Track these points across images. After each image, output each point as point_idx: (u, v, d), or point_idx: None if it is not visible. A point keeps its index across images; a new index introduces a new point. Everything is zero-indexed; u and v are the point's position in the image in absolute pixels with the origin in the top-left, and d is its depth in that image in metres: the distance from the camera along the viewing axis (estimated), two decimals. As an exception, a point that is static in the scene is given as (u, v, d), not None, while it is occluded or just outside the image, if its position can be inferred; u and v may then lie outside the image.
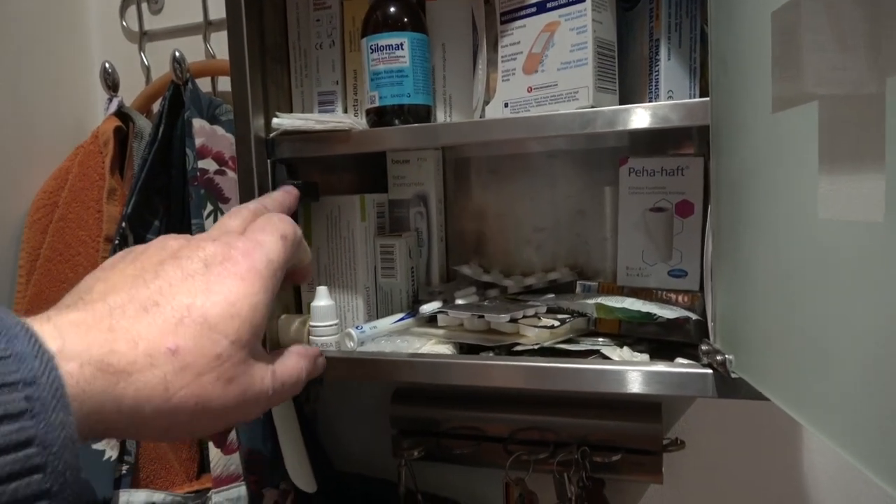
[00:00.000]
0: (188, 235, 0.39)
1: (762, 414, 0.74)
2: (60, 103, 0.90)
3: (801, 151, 0.35)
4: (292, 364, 0.42)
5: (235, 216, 0.43)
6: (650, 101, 0.60)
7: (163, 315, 0.33)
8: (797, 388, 0.39)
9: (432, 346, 0.65)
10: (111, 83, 0.86)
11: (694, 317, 0.60)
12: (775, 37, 0.39)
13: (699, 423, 0.76)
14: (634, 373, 0.54)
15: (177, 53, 0.80)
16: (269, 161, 0.67)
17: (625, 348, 0.61)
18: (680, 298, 0.65)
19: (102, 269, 0.37)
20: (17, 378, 0.25)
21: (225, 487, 0.75)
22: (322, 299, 0.67)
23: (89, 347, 0.30)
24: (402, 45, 0.62)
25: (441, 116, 0.68)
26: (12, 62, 0.84)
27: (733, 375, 0.48)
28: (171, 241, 0.38)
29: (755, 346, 0.45)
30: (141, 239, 0.79)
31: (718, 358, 0.49)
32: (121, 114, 0.85)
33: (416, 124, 0.62)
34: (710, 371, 0.52)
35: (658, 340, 0.66)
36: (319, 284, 0.70)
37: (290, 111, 0.73)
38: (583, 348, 0.61)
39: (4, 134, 0.82)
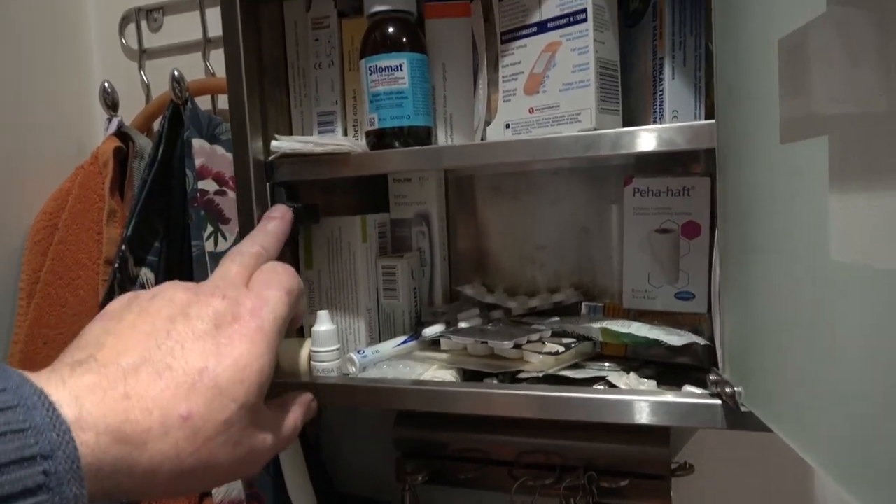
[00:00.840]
0: (195, 286, 0.39)
1: (773, 439, 0.72)
2: (61, 123, 0.90)
3: (812, 187, 0.34)
4: (292, 417, 0.44)
5: (236, 261, 0.43)
6: (654, 122, 0.59)
7: (175, 380, 0.33)
8: (806, 427, 0.37)
9: (435, 371, 0.64)
10: (111, 103, 0.86)
11: (702, 342, 0.59)
12: (783, 64, 0.37)
13: (708, 446, 0.75)
14: (641, 403, 0.52)
15: (176, 73, 0.79)
16: (268, 184, 0.66)
17: (631, 374, 0.60)
18: (686, 322, 0.64)
19: (111, 319, 0.37)
20: (36, 452, 0.26)
21: (226, 513, 0.74)
22: (323, 324, 0.66)
23: (105, 416, 0.30)
24: (401, 66, 0.61)
25: (442, 137, 0.67)
26: (13, 82, 0.83)
27: (742, 409, 0.47)
28: (180, 294, 0.38)
29: (765, 380, 0.43)
30: (141, 261, 0.79)
31: (727, 390, 0.48)
32: (121, 133, 0.85)
33: (416, 147, 0.61)
34: (718, 402, 0.51)
35: (665, 364, 0.64)
36: (321, 307, 0.69)
37: (290, 131, 0.72)
38: (588, 375, 0.60)
39: (5, 154, 0.82)
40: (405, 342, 0.70)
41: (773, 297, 0.40)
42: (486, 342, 0.61)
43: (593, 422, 0.54)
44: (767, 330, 0.42)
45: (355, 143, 0.64)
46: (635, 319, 0.65)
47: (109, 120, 0.85)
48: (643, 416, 0.52)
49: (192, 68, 0.87)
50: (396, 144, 0.62)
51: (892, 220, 0.27)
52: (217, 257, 0.76)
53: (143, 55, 0.93)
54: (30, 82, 0.86)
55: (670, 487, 0.70)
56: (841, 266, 0.31)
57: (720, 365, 0.51)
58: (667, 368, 0.64)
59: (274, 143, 0.64)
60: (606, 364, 0.64)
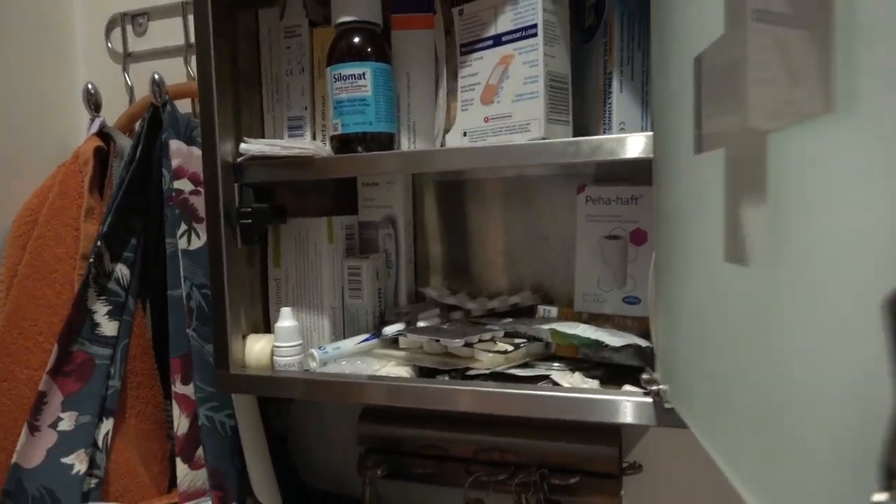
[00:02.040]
0: None
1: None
2: (46, 123, 0.93)
3: (713, 195, 0.37)
4: None
5: None
6: (604, 133, 0.62)
7: None
8: (707, 421, 0.40)
9: (392, 368, 0.67)
10: (94, 104, 0.88)
11: (644, 344, 0.61)
12: (697, 80, 0.40)
13: (659, 446, 0.77)
14: (577, 400, 0.55)
15: (156, 76, 0.82)
16: (236, 185, 0.68)
17: (576, 374, 0.62)
18: (634, 325, 0.66)
19: None
20: None
21: (192, 502, 0.76)
22: (285, 320, 0.69)
23: None
24: (364, 74, 0.64)
25: (405, 143, 0.70)
26: (0, 82, 0.86)
27: (666, 405, 0.49)
28: None
29: (682, 378, 0.46)
30: (117, 257, 0.81)
31: (654, 388, 0.51)
32: (102, 133, 0.87)
33: (377, 152, 0.64)
34: (650, 400, 0.53)
35: (615, 365, 0.67)
36: (287, 306, 0.72)
37: (262, 135, 0.75)
38: (534, 373, 0.62)
39: (-12, 152, 0.85)
40: (366, 340, 0.72)
41: (683, 301, 0.43)
42: (440, 340, 0.64)
43: (546, 421, 0.57)
44: (682, 331, 0.44)
45: (320, 148, 0.67)
46: (587, 322, 0.68)
47: (92, 120, 0.88)
48: (578, 412, 0.55)
49: (174, 72, 0.90)
50: (359, 149, 0.65)
51: (769, 224, 0.30)
52: (190, 254, 0.78)
53: (127, 58, 0.96)
54: (16, 83, 0.89)
55: (620, 485, 0.73)
56: (730, 268, 0.34)
57: (656, 366, 0.54)
58: (617, 370, 0.66)
59: (242, 146, 0.67)
60: (556, 364, 0.66)
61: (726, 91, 0.35)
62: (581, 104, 0.65)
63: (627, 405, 0.54)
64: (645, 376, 0.53)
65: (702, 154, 0.39)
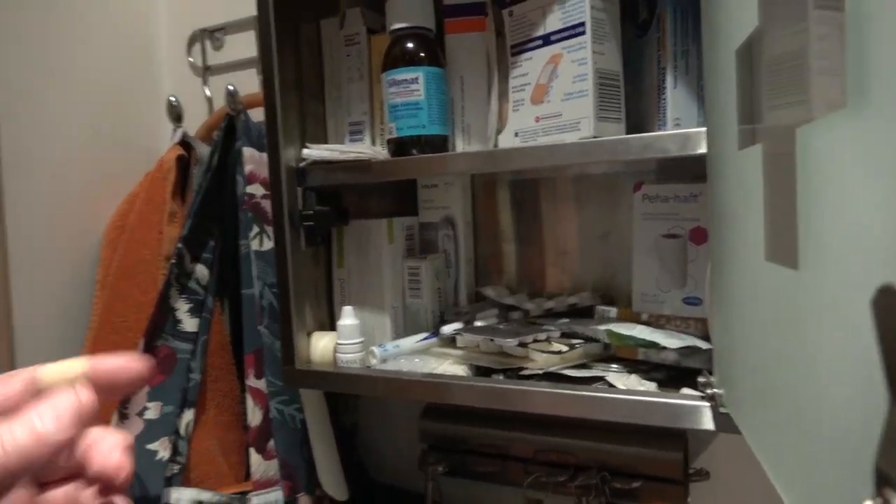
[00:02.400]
0: None
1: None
2: (134, 134, 1.00)
3: (753, 191, 0.35)
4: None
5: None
6: (659, 129, 0.60)
7: None
8: (756, 426, 0.38)
9: (448, 366, 0.68)
10: (176, 115, 0.95)
11: (704, 346, 0.59)
12: (738, 73, 0.39)
13: (728, 453, 0.74)
14: (630, 402, 0.54)
15: (230, 87, 0.87)
16: (300, 188, 0.72)
17: (633, 376, 0.61)
18: (696, 326, 0.64)
19: None
20: None
21: (263, 491, 0.81)
22: (347, 319, 0.71)
23: None
24: (417, 79, 0.65)
25: (460, 145, 0.70)
26: (92, 99, 0.94)
27: (722, 410, 0.48)
28: None
29: (737, 383, 0.44)
30: (196, 258, 0.87)
31: (709, 391, 0.49)
32: (184, 143, 0.93)
33: (430, 154, 0.65)
34: (707, 404, 0.52)
35: (677, 368, 0.65)
36: (350, 305, 0.75)
37: (325, 141, 0.78)
38: (589, 374, 0.61)
39: (86, 163, 0.93)
40: (426, 339, 0.73)
41: (734, 301, 0.42)
42: (494, 339, 0.64)
43: (607, 423, 0.56)
44: (733, 333, 0.43)
45: (377, 152, 0.69)
46: (648, 323, 0.66)
47: (175, 131, 0.95)
48: (631, 414, 0.54)
49: (248, 82, 0.95)
50: (413, 152, 0.66)
51: (811, 224, 0.28)
52: (261, 255, 0.83)
53: (206, 72, 1.02)
54: (107, 98, 0.97)
55: (686, 492, 0.71)
56: (770, 269, 0.33)
57: (714, 368, 0.52)
58: (679, 373, 0.64)
59: (304, 151, 0.70)
60: (613, 366, 0.65)
61: (761, 85, 0.34)
62: (637, 100, 0.63)
63: (683, 409, 0.52)
64: (701, 379, 0.52)
65: (743, 150, 0.38)
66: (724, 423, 0.50)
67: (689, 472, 0.71)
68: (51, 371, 0.28)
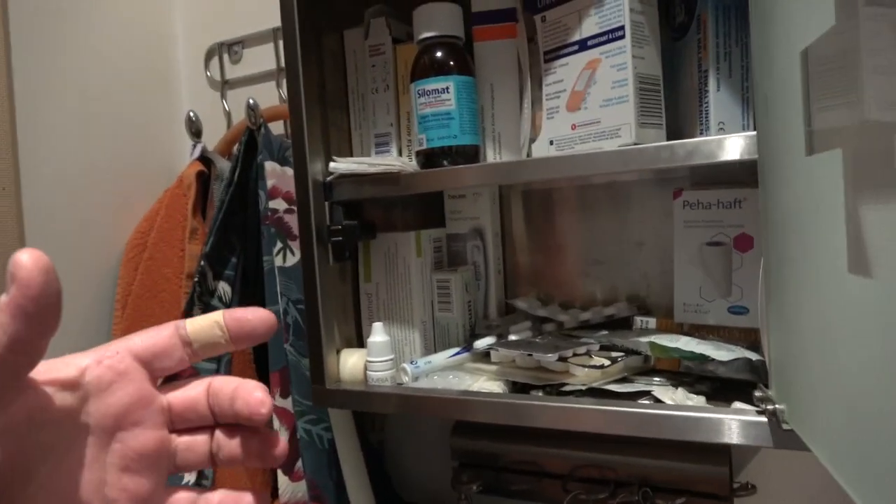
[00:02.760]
0: None
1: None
2: (153, 150, 0.99)
3: (831, 199, 0.33)
4: None
5: None
6: (701, 134, 0.58)
7: None
8: (835, 446, 0.36)
9: (483, 382, 0.66)
10: (195, 130, 0.94)
11: (754, 357, 0.57)
12: (805, 76, 0.37)
13: (773, 465, 0.72)
14: (683, 418, 0.52)
15: (250, 101, 0.85)
16: (326, 203, 0.70)
17: (679, 390, 0.59)
18: (741, 336, 0.62)
19: None
20: None
21: (293, 513, 0.79)
22: (377, 335, 0.69)
23: None
24: (447, 88, 0.64)
25: (491, 154, 0.69)
26: (110, 114, 0.93)
27: (785, 427, 0.46)
28: None
29: (802, 397, 0.42)
30: (219, 276, 0.85)
31: (770, 407, 0.47)
32: (203, 158, 0.92)
33: (462, 165, 0.63)
34: (764, 419, 0.49)
35: (721, 379, 0.63)
36: (378, 320, 0.73)
37: (351, 153, 0.77)
38: (634, 389, 0.59)
39: (105, 179, 0.91)
40: (457, 354, 0.72)
41: (803, 312, 0.40)
42: (532, 354, 0.62)
43: (648, 438, 0.54)
44: (802, 347, 0.41)
45: (406, 163, 0.67)
46: (689, 334, 0.64)
47: (194, 146, 0.93)
48: (685, 432, 0.52)
49: (267, 96, 0.94)
50: (444, 163, 0.65)
51: None
52: (285, 271, 0.81)
53: (224, 85, 1.01)
54: (125, 114, 0.95)
55: (731, 508, 0.68)
56: (856, 281, 0.31)
57: (769, 382, 0.50)
58: (724, 384, 0.62)
59: (331, 165, 0.68)
60: (656, 379, 0.63)
61: (840, 85, 0.32)
62: (675, 106, 0.62)
63: (738, 425, 0.50)
64: (758, 393, 0.49)
65: (814, 155, 0.36)
66: (785, 439, 0.48)
67: (734, 487, 0.69)
68: (194, 321, 0.31)
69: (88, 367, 0.28)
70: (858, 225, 0.30)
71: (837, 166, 0.32)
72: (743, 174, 0.68)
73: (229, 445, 0.31)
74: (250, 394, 0.30)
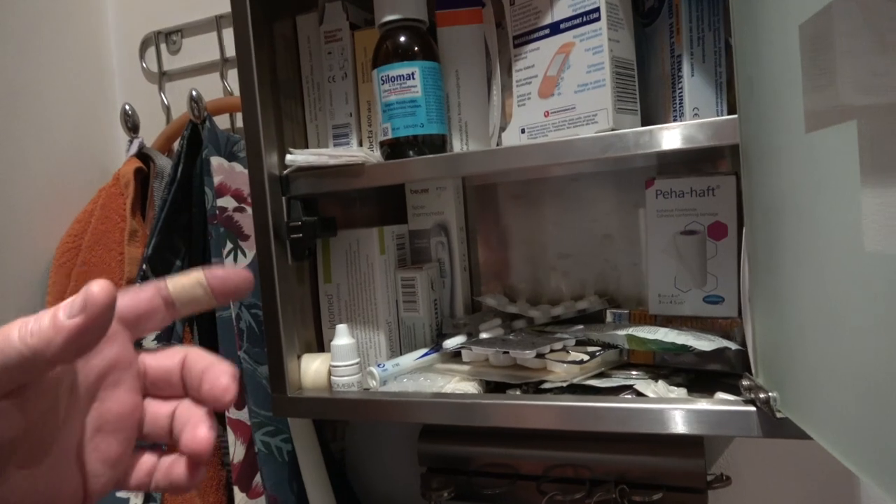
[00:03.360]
0: None
1: (814, 446, 0.69)
2: (84, 146, 0.91)
3: (841, 175, 0.32)
4: None
5: None
6: (674, 120, 0.57)
7: None
8: (847, 433, 0.35)
9: (457, 383, 0.63)
10: (131, 125, 0.87)
11: (734, 347, 0.56)
12: (804, 51, 0.36)
13: (745, 456, 0.72)
14: (672, 411, 0.50)
15: (193, 92, 0.80)
16: (284, 198, 0.65)
17: (660, 382, 0.58)
18: (717, 326, 0.61)
19: None
20: None
21: (251, 532, 0.73)
22: (342, 338, 0.65)
23: None
24: (413, 74, 0.60)
25: (457, 145, 0.66)
26: (36, 108, 0.85)
27: (779, 415, 0.45)
28: None
29: (800, 383, 0.41)
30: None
31: (762, 395, 0.46)
32: (142, 154, 0.86)
33: (430, 155, 0.60)
34: (752, 409, 0.48)
35: (696, 371, 0.62)
36: (340, 321, 0.69)
37: (306, 145, 0.72)
38: (615, 384, 0.58)
39: (31, 179, 0.83)
40: (426, 355, 0.68)
41: (805, 296, 0.38)
42: (508, 352, 0.60)
43: (623, 433, 0.52)
44: (801, 331, 0.40)
45: (370, 154, 0.63)
46: (663, 325, 0.63)
47: (130, 142, 0.86)
48: (674, 425, 0.50)
49: (210, 88, 0.88)
50: (411, 153, 0.61)
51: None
52: (237, 274, 0.76)
53: (163, 77, 0.94)
54: (52, 107, 0.87)
55: (707, 501, 0.67)
56: (877, 259, 0.29)
57: (753, 370, 0.49)
58: (697, 376, 0.61)
59: (288, 157, 0.63)
60: (634, 372, 0.62)
61: (851, 59, 0.31)
62: (644, 93, 0.60)
63: (728, 416, 0.49)
64: (745, 382, 0.48)
65: (817, 131, 0.35)
66: (776, 428, 0.47)
67: (709, 480, 0.68)
68: (175, 280, 0.30)
69: None
70: (881, 198, 0.29)
71: (852, 139, 0.31)
72: (713, 162, 0.68)
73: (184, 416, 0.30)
74: (217, 379, 0.29)
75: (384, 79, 0.61)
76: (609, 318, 0.68)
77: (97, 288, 0.24)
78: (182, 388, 0.31)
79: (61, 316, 0.24)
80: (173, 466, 0.30)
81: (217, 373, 0.30)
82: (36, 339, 0.23)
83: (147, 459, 0.31)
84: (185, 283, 0.30)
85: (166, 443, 0.31)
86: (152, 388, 0.31)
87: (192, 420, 0.30)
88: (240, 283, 0.31)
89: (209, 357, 0.31)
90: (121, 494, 0.71)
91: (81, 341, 0.24)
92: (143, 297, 0.30)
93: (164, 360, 0.31)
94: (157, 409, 0.31)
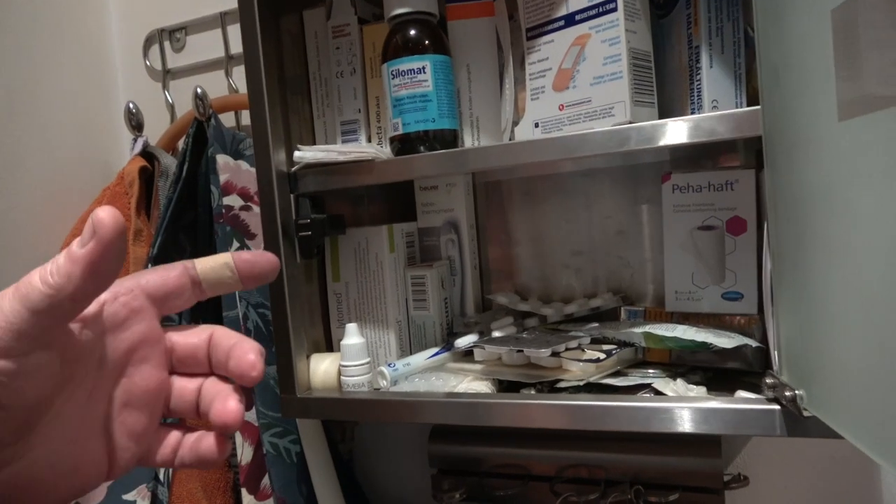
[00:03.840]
0: None
1: (834, 444, 0.68)
2: (88, 145, 0.90)
3: (880, 165, 0.31)
4: None
5: None
6: (692, 113, 0.56)
7: None
8: (881, 431, 0.34)
9: (469, 383, 0.62)
10: (135, 123, 0.86)
11: (754, 344, 0.55)
12: (838, 37, 0.34)
13: (763, 455, 0.70)
14: (691, 410, 0.49)
15: (198, 90, 0.78)
16: (292, 196, 0.64)
17: (678, 381, 0.56)
18: (735, 324, 0.60)
19: None
20: None
21: (260, 536, 0.72)
22: (352, 337, 0.64)
23: None
24: (424, 68, 0.59)
25: (468, 140, 0.65)
26: (40, 107, 0.84)
27: (805, 413, 0.43)
28: None
29: (831, 381, 0.40)
30: (168, 279, 0.78)
31: (787, 393, 0.44)
32: (146, 153, 0.84)
33: (442, 150, 0.59)
34: (776, 407, 0.47)
35: (713, 369, 0.61)
36: (349, 320, 0.67)
37: (314, 142, 0.71)
38: (632, 382, 0.56)
39: (34, 178, 0.82)
40: (437, 354, 0.67)
41: (837, 291, 0.37)
42: (522, 351, 0.58)
43: (638, 432, 0.51)
44: (831, 328, 0.38)
45: (380, 150, 0.62)
46: (679, 322, 0.62)
47: (135, 140, 0.85)
48: (695, 424, 0.49)
49: (215, 86, 0.87)
50: (421, 149, 0.60)
51: None
52: (244, 273, 0.74)
53: (167, 75, 0.93)
54: (56, 106, 0.86)
55: (724, 501, 0.66)
56: (920, 250, 0.28)
57: (776, 368, 0.48)
58: (715, 374, 0.60)
59: (296, 154, 0.62)
60: (651, 371, 0.60)
61: (890, 42, 0.29)
62: (661, 85, 0.59)
63: (751, 414, 0.48)
64: (769, 380, 0.47)
65: (851, 120, 0.33)
66: (798, 426, 0.46)
67: (726, 480, 0.67)
68: (203, 261, 0.31)
69: (107, 301, 0.28)
70: (925, 188, 0.28)
71: (892, 127, 0.30)
72: (726, 156, 0.67)
73: (211, 392, 0.31)
74: (245, 354, 0.30)
75: (394, 73, 0.60)
76: (624, 315, 0.67)
77: (103, 213, 0.24)
78: (208, 364, 0.32)
79: (75, 247, 0.24)
80: (200, 441, 0.31)
81: (245, 349, 0.30)
82: (56, 277, 0.24)
83: (173, 436, 0.31)
84: (213, 264, 0.31)
85: (192, 418, 0.32)
86: (179, 364, 0.32)
87: (221, 394, 0.30)
88: (266, 267, 0.31)
89: (236, 335, 0.31)
90: (127, 497, 0.70)
91: (99, 269, 0.24)
92: (172, 274, 0.30)
93: (191, 337, 0.31)
94: (184, 385, 0.32)
